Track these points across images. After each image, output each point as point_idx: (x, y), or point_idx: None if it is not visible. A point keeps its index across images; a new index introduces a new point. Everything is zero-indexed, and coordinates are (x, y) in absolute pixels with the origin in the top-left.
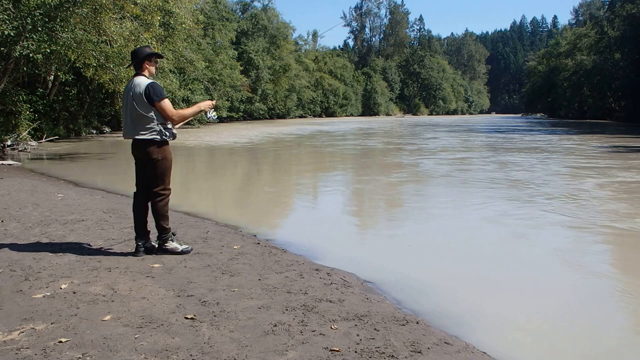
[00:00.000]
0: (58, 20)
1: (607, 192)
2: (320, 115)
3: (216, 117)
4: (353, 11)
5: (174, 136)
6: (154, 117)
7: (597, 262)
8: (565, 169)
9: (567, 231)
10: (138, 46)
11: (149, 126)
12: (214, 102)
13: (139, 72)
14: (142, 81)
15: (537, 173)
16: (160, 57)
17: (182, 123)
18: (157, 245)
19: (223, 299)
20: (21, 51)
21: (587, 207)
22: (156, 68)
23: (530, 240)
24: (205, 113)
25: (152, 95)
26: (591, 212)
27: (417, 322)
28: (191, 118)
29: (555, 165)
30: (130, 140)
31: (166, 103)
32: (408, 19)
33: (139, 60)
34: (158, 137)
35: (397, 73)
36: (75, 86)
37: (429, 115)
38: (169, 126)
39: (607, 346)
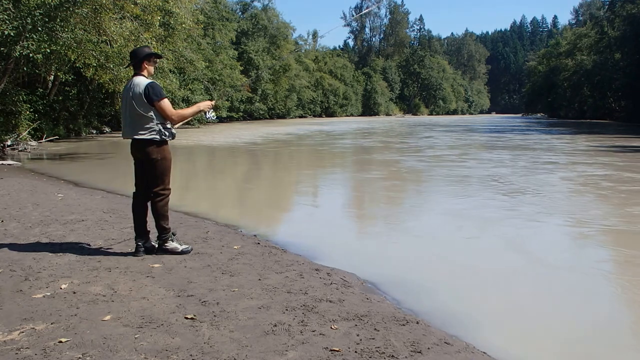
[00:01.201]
0: (58, 20)
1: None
2: (320, 115)
3: (215, 117)
4: (353, 11)
5: (173, 136)
6: (154, 116)
7: (594, 261)
8: (535, 165)
9: (563, 229)
10: (137, 46)
11: (148, 126)
12: (213, 102)
13: (138, 72)
14: (141, 81)
15: (513, 169)
16: (159, 57)
17: (181, 123)
18: (157, 245)
19: (223, 299)
20: (21, 51)
21: (569, 201)
22: (155, 68)
23: (528, 240)
24: (205, 113)
25: (151, 95)
26: (576, 208)
27: (417, 322)
28: (190, 118)
29: (526, 161)
30: (130, 140)
31: (165, 103)
32: (408, 19)
33: (138, 60)
34: (157, 136)
35: (397, 73)
36: (75, 86)
37: (429, 115)
38: (169, 126)
39: (608, 345)
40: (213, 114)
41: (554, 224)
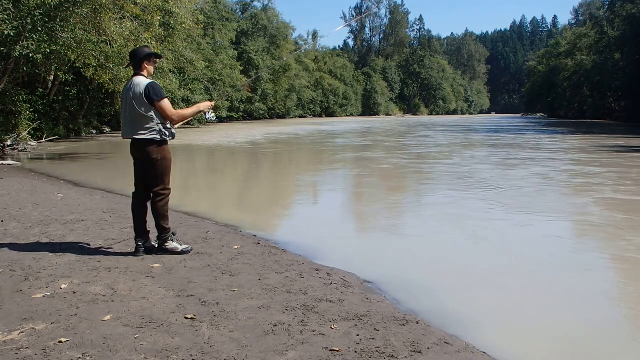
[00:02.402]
0: (58, 20)
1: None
2: (320, 115)
3: (215, 117)
4: (353, 11)
5: (173, 136)
6: (154, 116)
7: (594, 260)
8: (511, 162)
9: (561, 228)
10: (137, 46)
11: (148, 126)
12: (213, 102)
13: (138, 72)
14: (141, 81)
15: (496, 166)
16: (159, 57)
17: (181, 123)
18: (157, 245)
19: (223, 299)
20: (21, 51)
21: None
22: (155, 68)
23: (527, 239)
24: (205, 113)
25: (151, 95)
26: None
27: (417, 322)
28: (190, 118)
29: (501, 158)
30: (130, 140)
31: (166, 103)
32: (408, 19)
33: (138, 60)
34: (158, 136)
35: (397, 73)
36: (75, 86)
37: (428, 115)
38: (169, 126)
39: (607, 345)
40: (213, 114)
41: (545, 222)
